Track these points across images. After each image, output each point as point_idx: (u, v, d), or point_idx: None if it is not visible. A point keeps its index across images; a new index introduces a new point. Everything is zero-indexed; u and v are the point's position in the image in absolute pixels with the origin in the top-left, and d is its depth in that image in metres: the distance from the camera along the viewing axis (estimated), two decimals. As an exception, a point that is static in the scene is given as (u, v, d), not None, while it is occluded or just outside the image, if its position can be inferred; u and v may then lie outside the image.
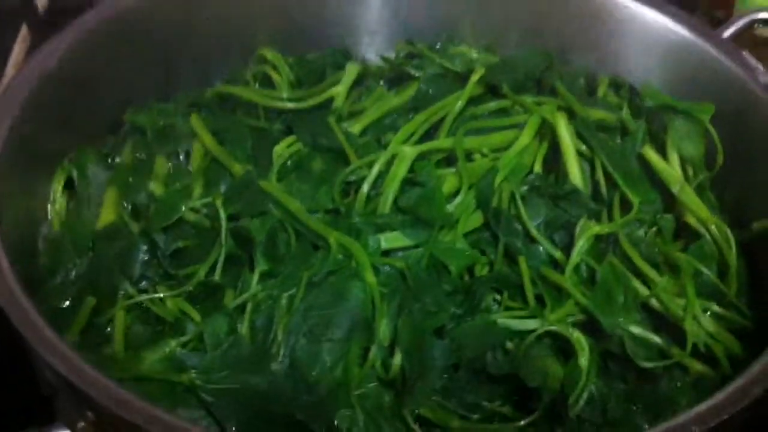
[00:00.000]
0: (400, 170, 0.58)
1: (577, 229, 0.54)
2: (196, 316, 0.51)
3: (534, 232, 0.54)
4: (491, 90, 0.68)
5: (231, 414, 0.46)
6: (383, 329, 0.49)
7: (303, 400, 0.47)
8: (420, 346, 0.49)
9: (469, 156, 0.61)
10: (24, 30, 0.88)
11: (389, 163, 0.59)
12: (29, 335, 0.43)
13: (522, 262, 0.53)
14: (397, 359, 0.49)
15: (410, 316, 0.50)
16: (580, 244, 0.53)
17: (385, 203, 0.56)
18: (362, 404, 0.47)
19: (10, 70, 0.86)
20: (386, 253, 0.55)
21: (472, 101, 0.66)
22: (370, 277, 0.51)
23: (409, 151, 0.59)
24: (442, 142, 0.61)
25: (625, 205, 0.59)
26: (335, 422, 0.46)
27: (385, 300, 0.51)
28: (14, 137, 0.55)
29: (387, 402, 0.48)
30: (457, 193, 0.58)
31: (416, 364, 0.48)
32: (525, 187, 0.57)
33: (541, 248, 0.54)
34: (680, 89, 0.67)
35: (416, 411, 0.47)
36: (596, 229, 0.54)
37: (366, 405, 0.47)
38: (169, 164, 0.62)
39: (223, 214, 0.54)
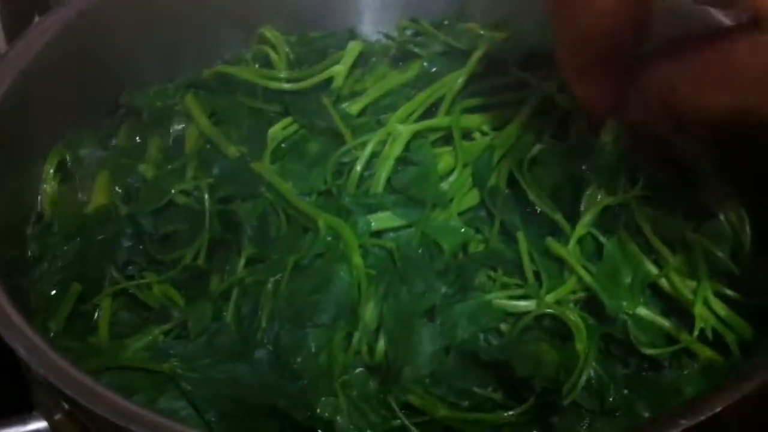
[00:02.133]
0: (394, 149, 0.56)
1: (584, 200, 0.51)
2: (181, 302, 0.50)
3: (534, 197, 0.52)
4: (495, 66, 0.66)
5: (211, 403, 0.45)
6: (369, 313, 0.48)
7: (286, 388, 0.46)
8: (407, 329, 0.47)
9: (468, 135, 0.59)
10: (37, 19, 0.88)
11: (384, 143, 0.57)
12: (3, 328, 0.42)
13: (520, 236, 0.51)
14: (381, 344, 0.47)
15: (397, 299, 0.48)
16: (588, 216, 0.51)
17: (378, 183, 0.55)
18: (346, 391, 0.46)
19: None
20: (378, 234, 0.53)
21: (475, 79, 0.64)
22: (357, 259, 0.50)
23: (404, 130, 0.58)
24: (438, 120, 0.59)
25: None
26: (317, 410, 0.45)
27: (372, 283, 0.49)
28: (6, 115, 0.54)
29: (372, 389, 0.47)
30: (452, 171, 0.56)
31: (402, 349, 0.47)
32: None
33: (540, 224, 0.52)
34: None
35: (402, 398, 0.46)
36: (606, 200, 0.51)
37: (350, 392, 0.46)
38: (164, 147, 0.61)
39: (207, 197, 0.53)
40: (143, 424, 0.38)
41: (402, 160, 0.57)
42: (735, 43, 0.41)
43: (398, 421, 0.45)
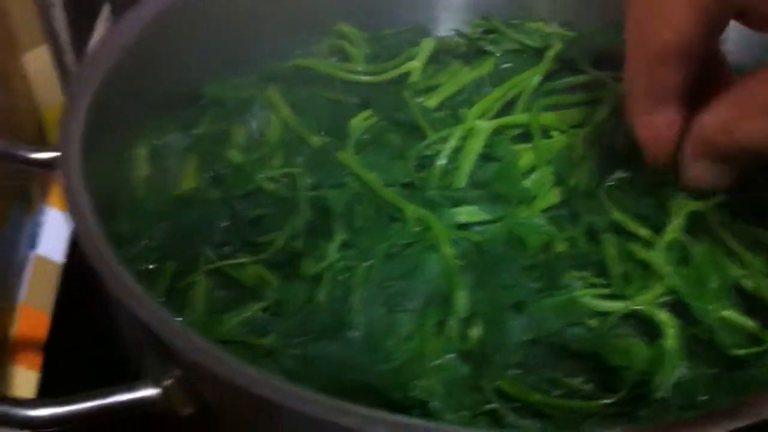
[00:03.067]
0: (476, 145, 0.58)
1: (672, 206, 0.53)
2: (275, 282, 0.52)
3: (618, 215, 0.54)
4: (569, 65, 0.67)
5: (308, 379, 0.47)
6: (461, 301, 0.49)
7: (380, 368, 0.47)
8: (498, 319, 0.49)
9: (546, 132, 0.61)
10: (106, 10, 0.90)
11: (464, 138, 0.59)
12: (119, 291, 0.43)
13: (607, 241, 0.52)
14: (476, 331, 0.49)
15: (488, 289, 0.50)
16: (676, 222, 0.52)
17: (461, 177, 0.56)
18: (440, 375, 0.47)
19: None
20: (462, 227, 0.54)
21: (549, 76, 0.66)
22: (447, 250, 0.51)
23: (485, 126, 0.59)
24: (518, 117, 0.61)
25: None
26: (412, 393, 0.46)
27: (462, 273, 0.51)
28: (99, 105, 0.56)
29: (464, 374, 0.48)
30: (533, 169, 0.58)
31: (495, 337, 0.48)
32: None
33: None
34: None
35: (494, 384, 0.47)
36: (693, 205, 0.53)
37: (443, 376, 0.47)
38: (249, 135, 0.62)
39: (302, 183, 0.54)
40: (263, 385, 0.39)
41: (483, 156, 0.58)
42: None
43: (491, 405, 0.47)
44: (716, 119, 0.45)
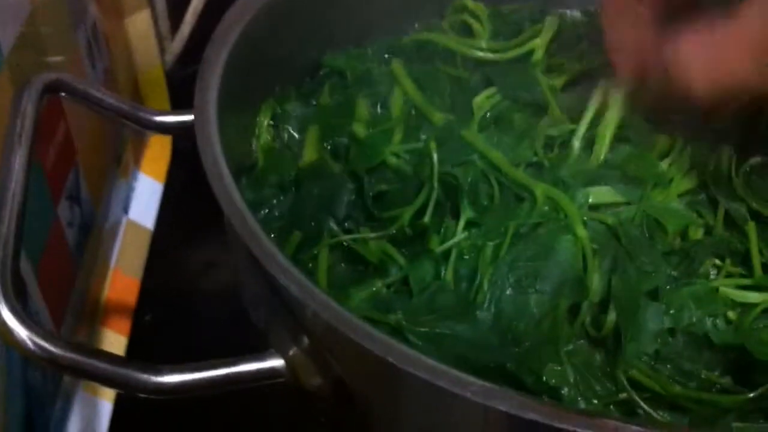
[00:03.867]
0: (610, 125, 0.56)
1: None
2: (401, 260, 0.51)
3: (758, 205, 0.51)
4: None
5: (438, 358, 0.45)
6: (595, 284, 0.48)
7: (511, 350, 0.46)
8: (633, 306, 0.47)
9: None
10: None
11: (597, 118, 0.57)
12: (260, 255, 0.43)
13: (750, 229, 0.50)
14: (611, 317, 0.47)
15: (625, 274, 0.48)
16: None
17: (597, 158, 0.54)
18: (572, 361, 0.46)
19: (189, 17, 0.88)
20: (594, 208, 0.53)
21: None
22: (581, 231, 0.49)
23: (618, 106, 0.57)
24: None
25: None
26: (544, 377, 0.45)
27: (596, 256, 0.49)
28: (231, 70, 0.55)
29: (597, 361, 0.46)
30: (669, 151, 0.55)
31: (629, 325, 0.46)
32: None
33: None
34: None
35: (628, 373, 0.45)
36: None
37: (575, 362, 0.46)
38: (369, 108, 0.61)
39: (435, 158, 0.53)
40: (396, 353, 0.38)
41: (616, 138, 0.56)
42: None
43: (623, 394, 0.45)
44: (697, 61, 0.45)
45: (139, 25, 0.83)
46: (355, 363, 0.42)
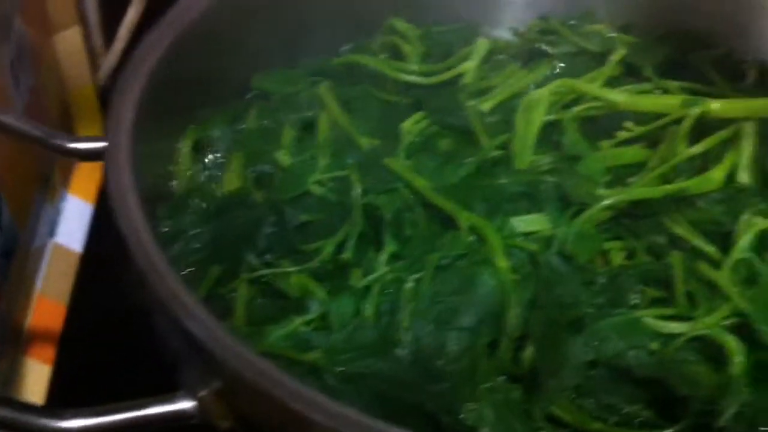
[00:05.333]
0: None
1: (739, 225, 0.50)
2: (322, 294, 0.50)
3: (683, 231, 0.51)
4: (630, 71, 0.65)
5: (354, 399, 0.45)
6: (513, 320, 0.47)
7: (428, 389, 0.45)
8: (554, 339, 0.46)
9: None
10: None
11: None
12: (164, 294, 0.41)
13: (674, 258, 0.50)
14: (529, 352, 0.46)
15: (543, 308, 0.47)
16: (744, 241, 0.49)
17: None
18: (490, 399, 0.45)
19: (123, 32, 0.86)
20: (523, 236, 0.52)
21: (610, 82, 0.63)
22: (502, 263, 0.49)
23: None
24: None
25: None
26: (462, 416, 0.44)
27: (517, 288, 0.48)
28: (148, 95, 0.54)
29: (516, 398, 0.45)
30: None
31: (549, 359, 0.46)
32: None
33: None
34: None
35: (548, 409, 0.45)
36: (764, 223, 0.50)
37: (494, 400, 0.45)
38: (296, 133, 0.60)
39: (357, 190, 0.52)
40: (305, 401, 0.37)
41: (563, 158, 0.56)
42: None
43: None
44: None
45: (70, 42, 0.81)
46: (263, 407, 0.41)
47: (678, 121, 0.57)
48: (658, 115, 0.57)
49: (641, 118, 0.59)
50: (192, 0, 0.61)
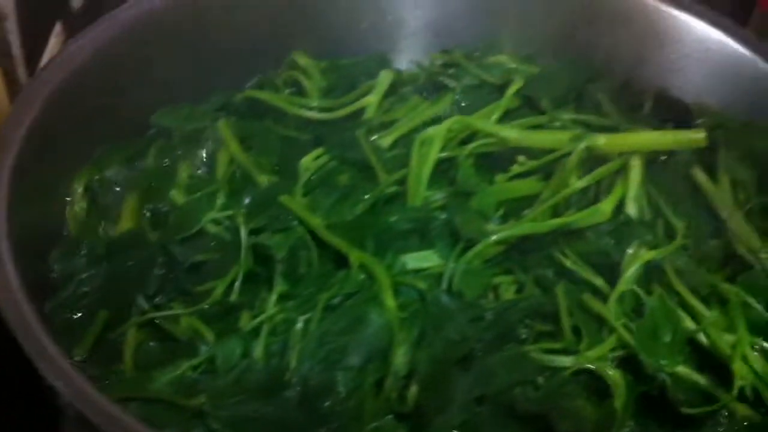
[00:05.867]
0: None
1: (626, 257, 0.51)
2: (210, 337, 0.49)
3: (572, 264, 0.52)
4: (529, 103, 0.66)
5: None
6: (400, 359, 0.47)
7: (318, 431, 0.45)
8: (440, 377, 0.47)
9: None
10: (58, 26, 0.87)
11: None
12: (33, 353, 0.41)
13: (559, 291, 0.50)
14: (413, 390, 0.46)
15: (430, 346, 0.47)
16: (629, 272, 0.50)
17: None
18: (376, 439, 0.45)
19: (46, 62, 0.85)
20: (413, 272, 0.52)
21: (509, 114, 0.64)
22: (390, 301, 0.49)
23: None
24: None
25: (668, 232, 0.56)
26: (348, 458, 0.44)
27: (404, 326, 0.48)
28: (37, 133, 0.53)
29: (403, 437, 0.46)
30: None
31: (434, 397, 0.46)
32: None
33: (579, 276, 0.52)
34: (734, 106, 0.64)
35: (434, 448, 0.45)
36: (648, 255, 0.51)
37: (380, 440, 0.45)
38: (194, 171, 0.60)
39: (244, 232, 0.52)
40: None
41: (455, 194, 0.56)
42: None
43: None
44: None
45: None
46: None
47: (569, 155, 0.57)
48: (551, 150, 0.58)
49: (535, 152, 0.59)
50: (92, 34, 0.60)
